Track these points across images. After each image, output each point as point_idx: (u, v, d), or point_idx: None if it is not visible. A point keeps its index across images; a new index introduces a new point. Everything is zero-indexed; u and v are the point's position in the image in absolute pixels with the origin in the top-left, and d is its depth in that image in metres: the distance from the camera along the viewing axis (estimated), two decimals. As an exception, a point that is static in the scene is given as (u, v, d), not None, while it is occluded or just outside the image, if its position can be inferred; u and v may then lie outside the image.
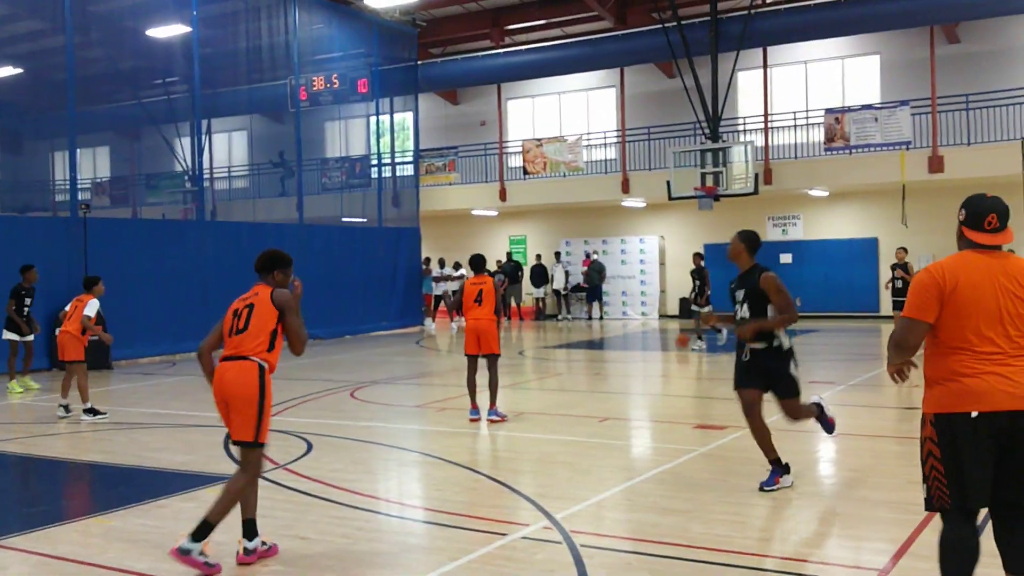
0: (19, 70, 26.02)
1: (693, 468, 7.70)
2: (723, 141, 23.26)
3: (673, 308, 27.66)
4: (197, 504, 6.83)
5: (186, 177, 25.50)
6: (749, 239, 7.01)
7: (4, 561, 5.58)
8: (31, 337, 14.03)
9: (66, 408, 11.04)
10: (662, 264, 27.68)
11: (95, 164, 32.52)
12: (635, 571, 5.17)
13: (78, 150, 18.25)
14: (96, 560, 5.49)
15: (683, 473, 7.53)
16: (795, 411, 6.89)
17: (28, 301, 13.87)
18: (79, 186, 18.91)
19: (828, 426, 7.28)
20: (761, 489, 6.71)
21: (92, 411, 10.88)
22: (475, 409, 10.07)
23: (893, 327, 5.06)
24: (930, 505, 3.96)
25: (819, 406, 7.15)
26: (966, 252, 4.04)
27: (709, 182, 22.47)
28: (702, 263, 17.85)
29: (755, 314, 6.78)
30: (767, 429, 6.85)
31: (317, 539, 5.83)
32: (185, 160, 25.14)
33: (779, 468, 6.89)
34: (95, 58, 25.03)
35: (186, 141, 24.71)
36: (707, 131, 23.22)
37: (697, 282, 17.62)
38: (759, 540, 5.84)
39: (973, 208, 4.01)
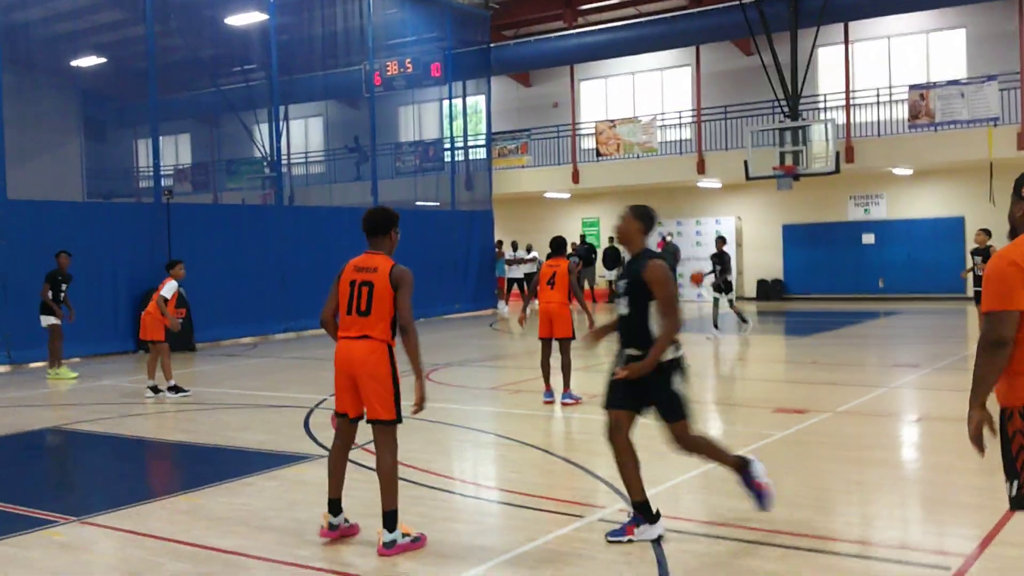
0: (102, 60, 26.79)
1: (772, 452, 7.56)
2: (803, 119, 22.73)
3: (751, 290, 27.22)
4: (279, 483, 6.98)
5: (265, 163, 25.98)
6: (643, 215, 5.57)
7: (93, 536, 5.78)
8: (57, 322, 13.60)
9: (154, 389, 11.36)
10: (739, 245, 27.23)
11: (177, 151, 33.33)
12: (714, 555, 5.11)
13: (160, 137, 18.70)
14: (182, 537, 5.64)
15: (763, 457, 7.37)
16: (683, 439, 5.41)
17: (64, 287, 13.63)
18: (162, 173, 19.42)
19: (757, 494, 5.53)
20: (607, 539, 5.30)
21: (176, 389, 11.21)
22: (549, 392, 10.05)
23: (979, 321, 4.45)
24: (1020, 503, 3.60)
25: (746, 462, 5.57)
26: None
27: (788, 161, 21.99)
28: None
29: (636, 312, 5.37)
30: (635, 461, 5.42)
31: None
32: (264, 146, 25.61)
33: (642, 515, 5.36)
34: (175, 47, 25.60)
35: (264, 127, 25.17)
36: (786, 109, 22.71)
37: (717, 267, 17.08)
38: (841, 525, 5.71)
39: None
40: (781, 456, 7.43)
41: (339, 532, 5.47)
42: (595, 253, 28.32)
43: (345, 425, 5.56)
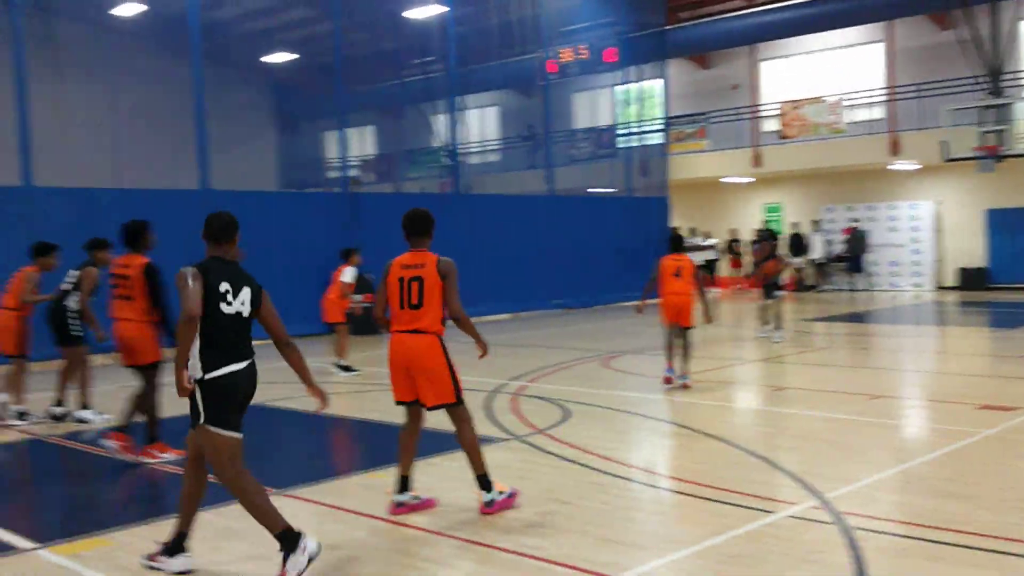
0: (293, 55, 28.17)
1: (978, 451, 7.07)
2: (1006, 96, 21.11)
3: (951, 279, 25.57)
4: (461, 464, 7.10)
5: (443, 152, 26.61)
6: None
7: (293, 509, 6.06)
8: None
9: (345, 368, 12.01)
10: (938, 231, 25.63)
11: (363, 142, 34.64)
12: (912, 557, 4.82)
13: (347, 129, 19.45)
14: (376, 512, 5.83)
15: (967, 456, 6.93)
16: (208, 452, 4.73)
17: None
18: (349, 163, 20.21)
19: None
20: None
21: (347, 368, 12.04)
22: (671, 368, 10.44)
23: None
24: None
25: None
26: None
27: (991, 141, 20.49)
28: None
29: None
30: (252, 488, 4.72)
31: (576, 503, 5.88)
32: (442, 136, 26.23)
33: (285, 545, 4.61)
34: (359, 41, 26.63)
35: (443, 118, 25.77)
36: (987, 86, 21.15)
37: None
38: (1062, 534, 5.25)
39: None
40: (987, 455, 6.93)
41: (408, 508, 5.76)
42: (776, 239, 27.37)
43: (414, 410, 5.84)
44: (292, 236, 16.90)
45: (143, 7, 23.42)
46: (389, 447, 8.02)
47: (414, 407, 5.82)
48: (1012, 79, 22.79)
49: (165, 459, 7.40)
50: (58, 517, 6.16)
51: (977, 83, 21.64)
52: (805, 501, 5.79)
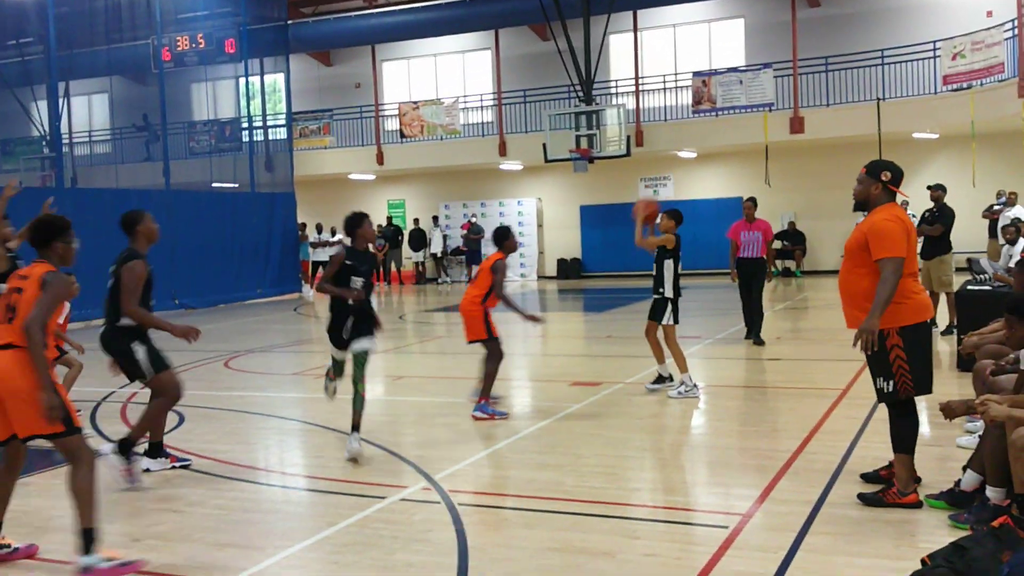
0: None
1: (569, 424, 7.89)
2: (596, 104, 23.56)
3: (551, 269, 28.04)
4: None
5: (44, 142, 24.24)
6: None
7: None
8: None
9: None
10: (540, 226, 27.97)
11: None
12: (511, 526, 5.30)
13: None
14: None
15: (559, 429, 7.72)
16: None
17: None
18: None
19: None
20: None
21: None
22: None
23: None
24: (894, 396, 5.25)
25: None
26: (894, 203, 5.32)
27: (583, 144, 22.76)
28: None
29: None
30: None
31: (189, 511, 5.74)
32: (42, 124, 23.89)
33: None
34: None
35: (43, 104, 23.46)
36: (581, 94, 23.46)
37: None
38: (631, 491, 6.06)
39: (896, 171, 5.33)
40: (577, 427, 7.76)
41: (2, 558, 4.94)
42: (401, 235, 28.31)
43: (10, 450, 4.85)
44: None
45: None
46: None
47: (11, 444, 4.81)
48: (603, 88, 25.49)
49: None
50: None
51: (572, 91, 23.90)
52: (417, 484, 6.12)
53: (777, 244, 23.73)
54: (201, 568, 4.77)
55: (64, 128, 21.71)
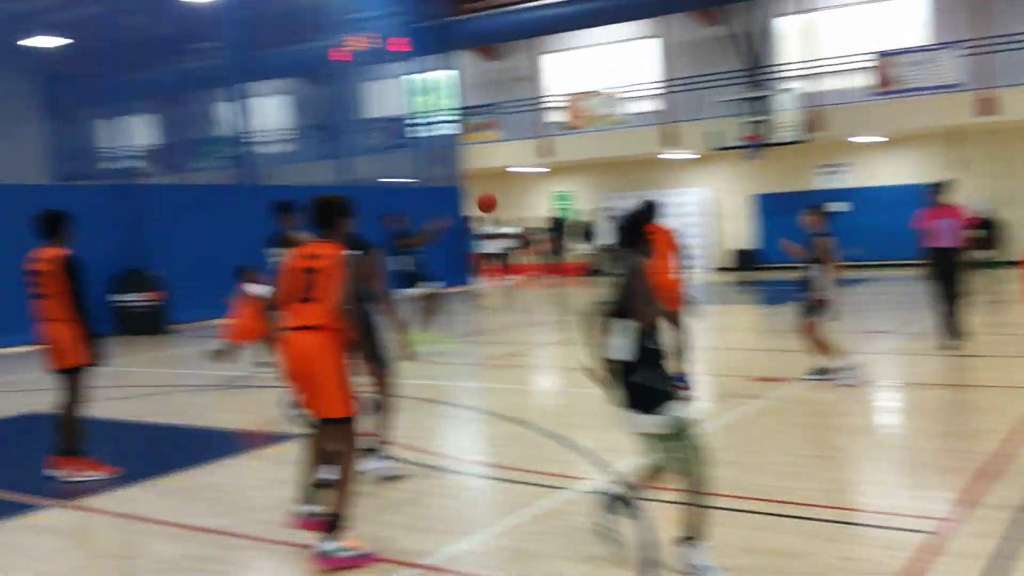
0: (63, 40, 26.29)
1: (754, 420, 7.68)
2: (766, 89, 22.83)
3: (726, 260, 27.38)
4: (262, 462, 6.99)
5: (231, 142, 25.69)
6: None
7: (82, 521, 5.77)
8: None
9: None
10: (713, 216, 27.39)
11: (144, 131, 32.83)
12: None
13: (125, 118, 18.44)
14: (171, 518, 5.64)
15: (744, 426, 7.52)
16: None
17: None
18: (129, 153, 19.17)
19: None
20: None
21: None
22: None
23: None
24: None
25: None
26: None
27: (754, 131, 22.11)
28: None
29: None
30: None
31: (376, 493, 5.91)
32: (229, 125, 25.32)
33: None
34: (134, 25, 25.18)
35: (229, 106, 24.86)
36: (749, 79, 22.79)
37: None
38: (820, 491, 5.82)
39: None
40: (762, 423, 7.55)
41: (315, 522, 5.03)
42: (567, 227, 28.38)
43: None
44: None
45: None
46: (179, 450, 7.79)
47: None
48: (770, 72, 24.68)
49: (87, 478, 6.64)
50: None
51: (741, 76, 23.25)
52: (598, 476, 6.11)
53: (975, 233, 22.31)
54: (393, 551, 4.92)
55: (248, 128, 22.88)
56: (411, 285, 12.08)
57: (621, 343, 4.38)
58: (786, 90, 22.71)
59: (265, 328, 10.29)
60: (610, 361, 4.44)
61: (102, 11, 18.21)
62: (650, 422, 4.36)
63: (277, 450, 7.32)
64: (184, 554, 5.04)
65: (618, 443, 6.97)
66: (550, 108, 28.54)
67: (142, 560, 5.00)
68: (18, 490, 6.49)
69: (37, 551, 5.23)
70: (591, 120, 26.33)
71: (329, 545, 4.70)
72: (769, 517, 5.19)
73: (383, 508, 5.66)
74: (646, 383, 4.37)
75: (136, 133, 31.27)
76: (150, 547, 5.18)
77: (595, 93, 26.52)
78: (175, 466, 7.00)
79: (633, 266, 4.45)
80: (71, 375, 6.67)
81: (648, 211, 6.26)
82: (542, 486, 5.95)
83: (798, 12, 24.88)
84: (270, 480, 6.46)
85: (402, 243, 11.99)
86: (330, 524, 4.73)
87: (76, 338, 6.59)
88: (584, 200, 29.55)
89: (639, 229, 4.61)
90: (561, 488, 5.87)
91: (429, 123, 26.74)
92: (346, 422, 4.82)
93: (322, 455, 5.06)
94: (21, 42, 25.58)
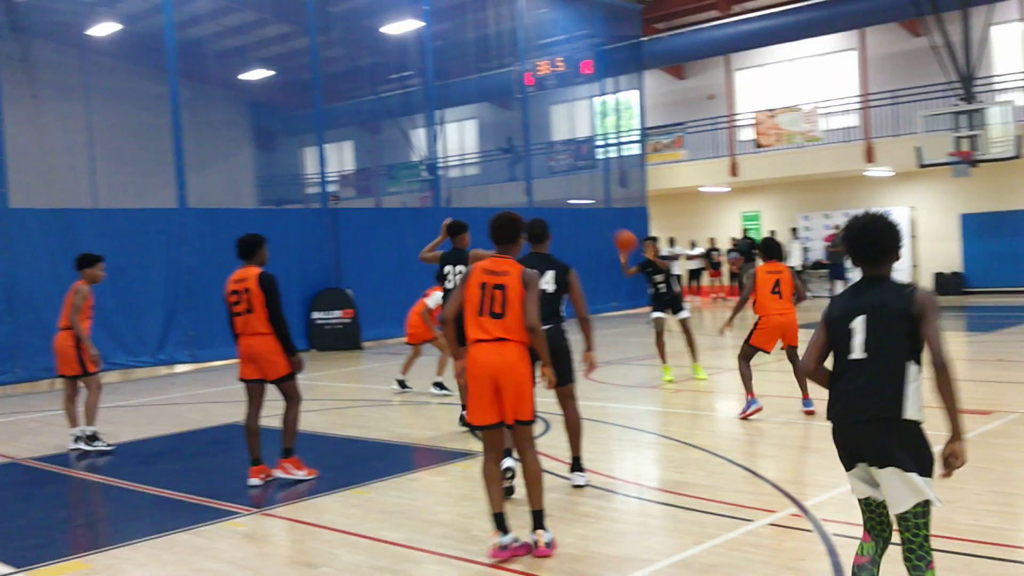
0: (270, 72, 28.16)
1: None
2: (978, 102, 21.37)
3: (926, 282, 25.80)
4: (446, 478, 7.11)
5: (422, 166, 26.63)
6: None
7: (273, 528, 6.05)
8: None
9: (401, 384, 11.77)
10: (913, 237, 25.88)
11: (340, 157, 34.62)
12: (892, 561, 4.84)
13: (325, 145, 19.46)
14: (356, 530, 5.82)
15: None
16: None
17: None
18: (327, 179, 20.20)
19: None
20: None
21: (403, 384, 11.86)
22: (753, 398, 8.95)
23: None
24: None
25: None
26: None
27: (964, 147, 20.72)
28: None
29: None
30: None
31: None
32: (421, 150, 26.26)
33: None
34: (336, 57, 26.66)
35: (421, 132, 25.80)
36: (960, 92, 21.40)
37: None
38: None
39: None
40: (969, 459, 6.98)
41: (511, 552, 5.18)
42: (756, 248, 27.55)
43: (496, 433, 5.32)
44: (271, 253, 16.86)
45: (119, 26, 23.37)
46: (366, 464, 8.05)
47: (496, 430, 5.28)
48: (984, 84, 23.09)
49: (299, 476, 7.27)
50: (37, 542, 6.11)
51: (950, 89, 21.88)
52: (785, 509, 5.83)
53: None
54: (567, 574, 4.86)
55: (439, 152, 23.63)
56: (662, 310, 12.11)
57: (913, 396, 3.65)
58: (1002, 103, 21.14)
59: (431, 336, 10.71)
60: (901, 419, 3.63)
61: (308, 45, 19.31)
62: (922, 485, 3.64)
63: (460, 466, 7.44)
64: (370, 564, 5.18)
65: (802, 475, 6.66)
66: (739, 126, 27.89)
67: (328, 569, 5.17)
68: (218, 497, 6.89)
69: (229, 555, 5.52)
70: (782, 137, 25.50)
71: (546, 536, 5.15)
72: (974, 558, 4.78)
73: (558, 530, 5.61)
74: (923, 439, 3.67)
75: (334, 159, 33.03)
76: (337, 556, 5.35)
77: (789, 109, 25.65)
78: (364, 478, 7.23)
79: (921, 298, 3.59)
80: (283, 383, 7.19)
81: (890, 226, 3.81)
82: (725, 516, 5.73)
83: (1022, 20, 23.19)
84: (454, 496, 6.57)
85: (652, 267, 12.08)
86: (540, 517, 5.19)
87: (276, 350, 7.06)
88: (770, 220, 28.61)
89: (893, 246, 3.67)
90: (746, 520, 5.63)
91: (614, 144, 26.73)
92: (530, 424, 5.26)
93: (502, 455, 5.43)
94: (239, 76, 27.57)
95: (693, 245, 25.44)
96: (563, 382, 6.46)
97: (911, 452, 3.64)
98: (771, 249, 9.35)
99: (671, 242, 25.97)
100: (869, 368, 3.63)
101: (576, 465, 6.72)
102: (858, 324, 3.64)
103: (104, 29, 23.28)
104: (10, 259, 13.90)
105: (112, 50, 24.17)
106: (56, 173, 20.12)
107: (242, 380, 7.23)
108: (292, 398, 7.25)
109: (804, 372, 3.88)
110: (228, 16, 24.62)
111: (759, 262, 9.52)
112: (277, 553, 5.61)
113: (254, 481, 7.10)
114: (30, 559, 5.55)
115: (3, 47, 15.64)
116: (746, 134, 27.28)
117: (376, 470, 7.54)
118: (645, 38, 26.70)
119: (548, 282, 6.41)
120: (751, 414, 8.92)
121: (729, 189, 28.75)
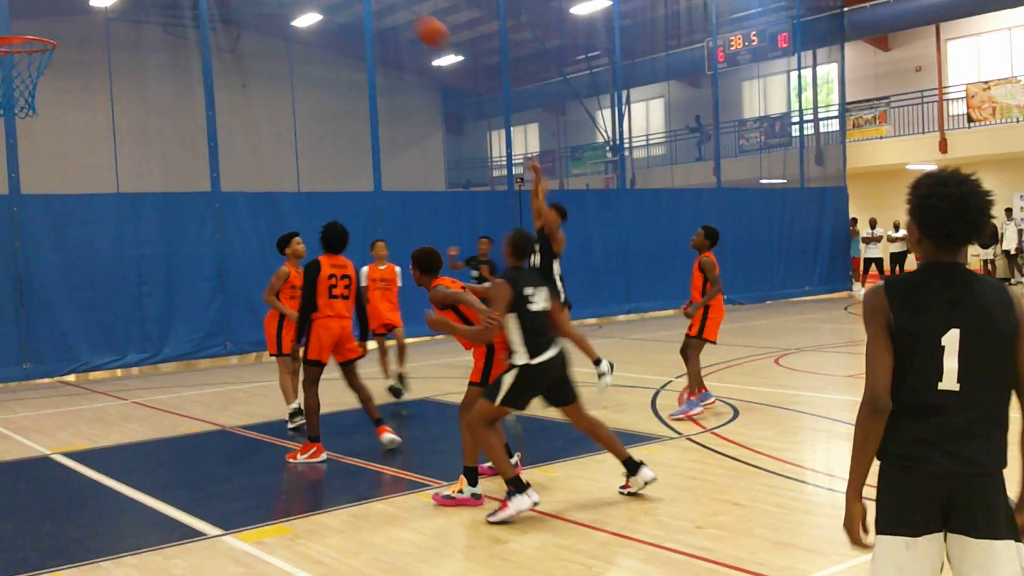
0: (460, 57, 28.73)
1: None
2: None
3: None
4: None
5: (607, 147, 26.47)
6: None
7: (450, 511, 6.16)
8: None
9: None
10: None
11: (526, 140, 34.97)
12: None
13: (511, 128, 19.65)
14: (540, 508, 5.82)
15: None
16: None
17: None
18: (513, 161, 20.40)
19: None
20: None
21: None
22: None
23: None
24: None
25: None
26: None
27: None
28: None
29: None
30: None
31: (747, 505, 5.69)
32: (606, 131, 26.08)
33: (514, 486, 5.69)
34: (524, 40, 26.87)
35: (607, 112, 25.61)
36: None
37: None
38: None
39: None
40: None
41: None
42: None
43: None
44: (459, 235, 17.23)
45: (320, 17, 24.49)
46: (550, 443, 8.05)
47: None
48: None
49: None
50: (244, 505, 6.49)
51: None
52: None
53: None
54: (761, 564, 4.68)
55: (625, 133, 23.37)
56: None
57: None
58: None
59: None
60: None
61: (498, 29, 19.52)
62: None
63: (647, 450, 7.32)
64: (555, 543, 5.18)
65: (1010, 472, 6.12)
66: (950, 99, 26.05)
67: (515, 544, 5.20)
68: (410, 469, 7.09)
69: (420, 524, 5.65)
70: (998, 111, 23.63)
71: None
72: None
73: (748, 519, 5.41)
74: None
75: (520, 141, 33.41)
76: (523, 533, 5.38)
77: (1006, 81, 23.72)
78: (547, 458, 7.24)
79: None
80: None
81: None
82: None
83: None
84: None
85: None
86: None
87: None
88: (986, 200, 26.57)
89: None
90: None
91: (811, 120, 25.59)
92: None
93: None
94: (432, 62, 28.32)
95: (897, 227, 23.98)
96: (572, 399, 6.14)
97: (1007, 515, 2.72)
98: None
99: (872, 223, 24.61)
100: (970, 403, 2.68)
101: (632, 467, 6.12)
102: (950, 341, 2.69)
103: (307, 20, 24.46)
104: (222, 240, 14.85)
105: (314, 40, 25.37)
106: (263, 158, 21.37)
107: (340, 363, 7.82)
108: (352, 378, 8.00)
109: (875, 411, 2.77)
110: (422, 4, 25.27)
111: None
112: (465, 526, 5.70)
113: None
114: (237, 522, 5.89)
115: (214, 39, 16.66)
116: (957, 108, 25.44)
117: (559, 450, 7.53)
118: (847, 8, 25.32)
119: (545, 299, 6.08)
120: None
121: (936, 167, 26.91)
